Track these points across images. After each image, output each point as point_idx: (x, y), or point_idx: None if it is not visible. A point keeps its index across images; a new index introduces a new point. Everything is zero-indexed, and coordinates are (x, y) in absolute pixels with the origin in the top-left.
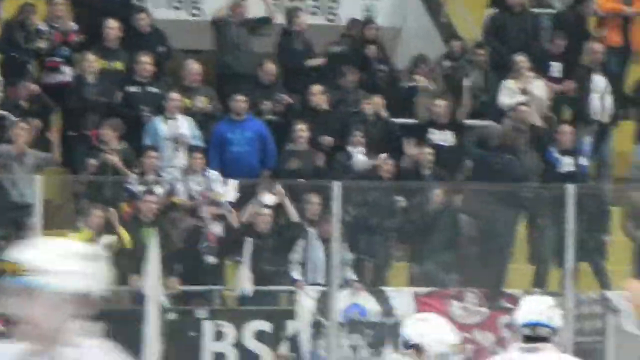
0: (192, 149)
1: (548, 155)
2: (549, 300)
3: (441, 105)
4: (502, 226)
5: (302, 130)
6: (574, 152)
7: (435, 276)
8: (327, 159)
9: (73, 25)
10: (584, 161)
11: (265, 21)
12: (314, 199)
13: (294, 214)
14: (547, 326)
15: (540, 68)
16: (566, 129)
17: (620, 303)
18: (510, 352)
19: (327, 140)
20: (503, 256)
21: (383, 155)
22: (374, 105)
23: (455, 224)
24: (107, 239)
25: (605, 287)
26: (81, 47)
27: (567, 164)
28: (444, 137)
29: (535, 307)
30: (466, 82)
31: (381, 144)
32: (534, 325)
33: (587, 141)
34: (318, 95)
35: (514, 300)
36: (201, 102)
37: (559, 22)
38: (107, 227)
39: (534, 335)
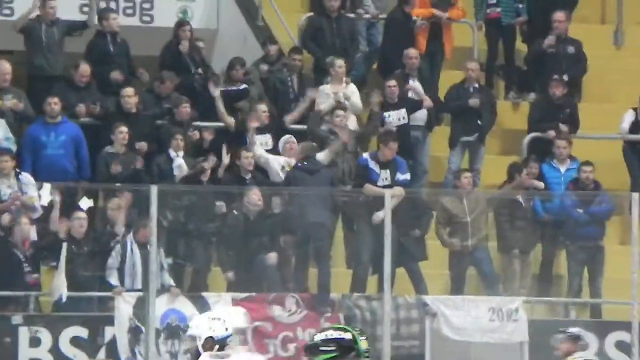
0: (3, 151)
1: (363, 162)
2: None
3: (262, 109)
4: (320, 230)
5: (122, 132)
6: (391, 165)
7: (255, 280)
8: (145, 163)
9: None
10: (402, 177)
11: (82, 26)
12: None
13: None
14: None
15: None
16: (391, 145)
17: (437, 307)
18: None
19: (141, 145)
20: (322, 260)
21: (201, 159)
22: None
23: (274, 228)
24: None
25: (422, 292)
26: None
27: (384, 178)
28: (265, 141)
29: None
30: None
31: (199, 149)
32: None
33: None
34: (130, 98)
35: (333, 303)
36: (11, 102)
37: (387, 27)
38: None
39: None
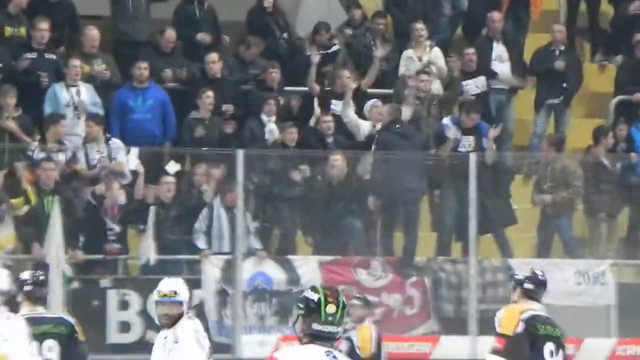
0: (90, 116)
1: (443, 128)
2: None
3: (346, 75)
4: (406, 194)
5: (208, 97)
6: (474, 131)
7: (341, 244)
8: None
9: None
10: (485, 142)
11: None
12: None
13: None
14: None
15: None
16: (472, 116)
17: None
18: None
19: (228, 107)
20: (411, 225)
21: (288, 124)
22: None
23: (360, 192)
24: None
25: (507, 256)
26: None
27: (467, 143)
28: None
29: None
30: (377, 53)
31: (287, 114)
32: None
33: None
34: (215, 63)
35: (418, 267)
36: (100, 67)
37: None
38: (11, 191)
39: None
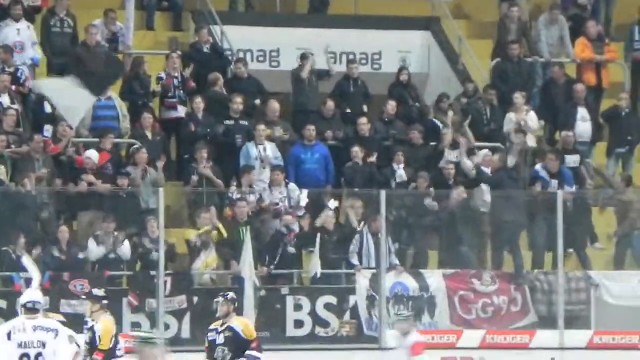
0: (274, 167)
1: (535, 174)
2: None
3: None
4: (509, 222)
5: (356, 151)
6: (559, 175)
7: (459, 260)
8: (374, 174)
9: (187, 75)
10: (568, 187)
11: (326, 73)
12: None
13: (354, 221)
14: (39, 302)
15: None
16: (552, 157)
17: (599, 280)
18: (19, 319)
19: (372, 158)
20: (512, 245)
21: (422, 173)
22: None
23: (473, 220)
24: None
25: (587, 268)
26: (193, 92)
27: (554, 185)
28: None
29: (33, 293)
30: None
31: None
32: (33, 302)
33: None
34: (364, 125)
35: (520, 277)
36: (279, 131)
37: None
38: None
39: (34, 308)
